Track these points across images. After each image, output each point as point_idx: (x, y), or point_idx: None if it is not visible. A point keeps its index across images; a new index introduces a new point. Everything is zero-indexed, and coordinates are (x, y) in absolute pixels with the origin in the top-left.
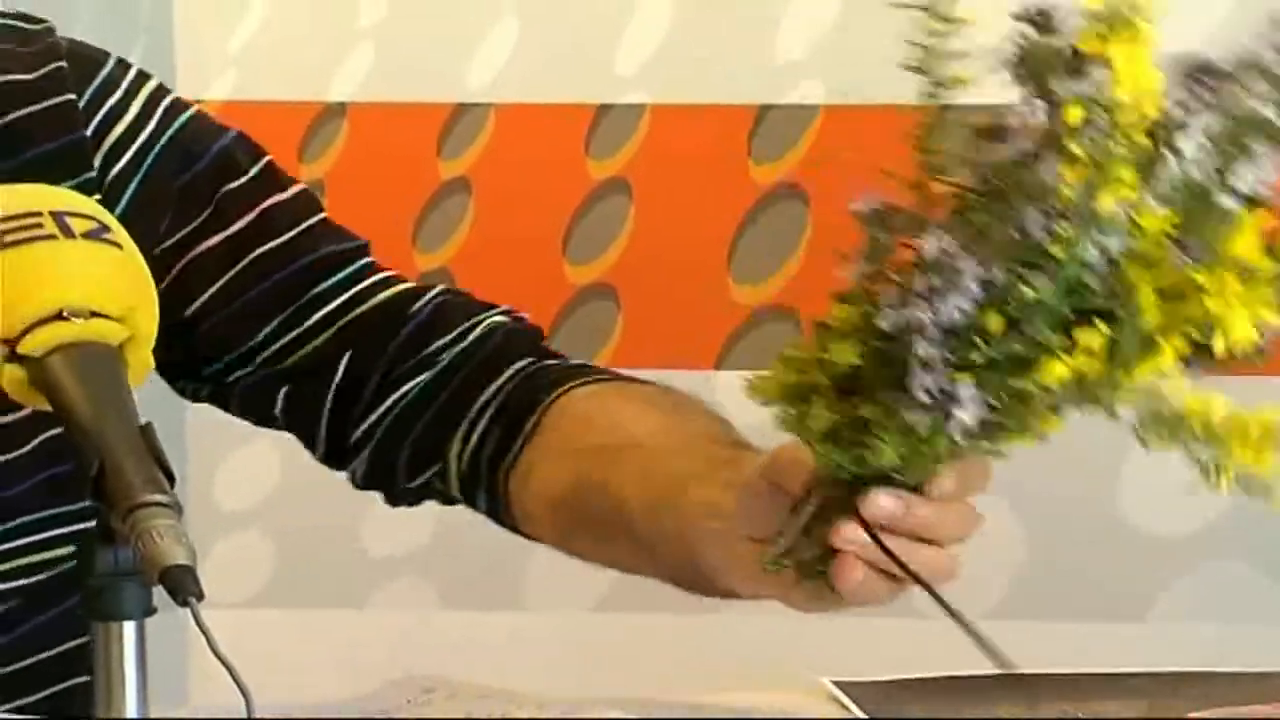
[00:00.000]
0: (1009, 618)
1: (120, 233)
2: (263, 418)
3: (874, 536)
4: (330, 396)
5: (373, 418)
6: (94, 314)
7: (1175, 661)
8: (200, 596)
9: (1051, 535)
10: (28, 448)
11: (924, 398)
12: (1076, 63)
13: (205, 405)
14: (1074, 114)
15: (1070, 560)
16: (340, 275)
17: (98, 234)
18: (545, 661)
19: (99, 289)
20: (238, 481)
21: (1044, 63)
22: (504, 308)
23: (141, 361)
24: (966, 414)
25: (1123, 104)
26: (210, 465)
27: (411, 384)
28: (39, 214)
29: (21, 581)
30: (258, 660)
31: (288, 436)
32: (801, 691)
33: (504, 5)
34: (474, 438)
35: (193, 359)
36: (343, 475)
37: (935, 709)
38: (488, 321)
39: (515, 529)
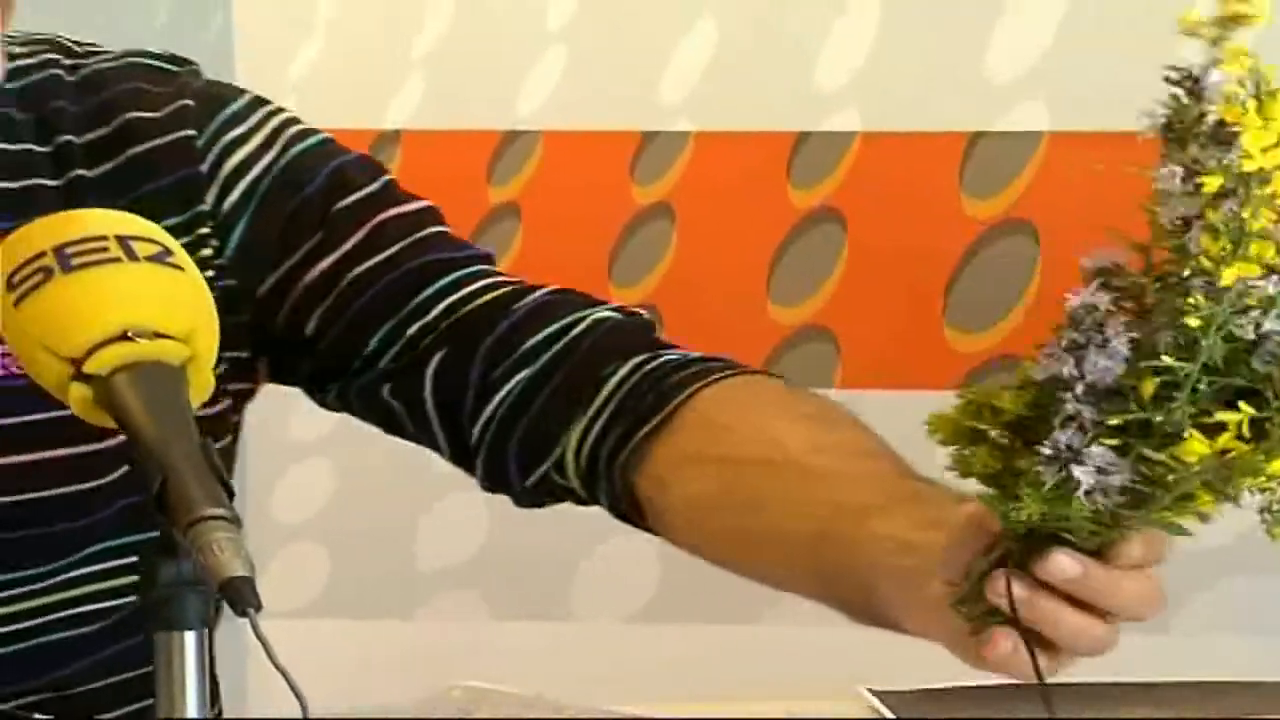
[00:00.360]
0: None
1: (182, 256)
2: (389, 426)
3: (1013, 606)
4: (431, 399)
5: (482, 418)
6: (157, 334)
7: (1199, 673)
8: (259, 607)
9: None
10: (111, 476)
11: (1049, 450)
12: (1220, 131)
13: (262, 423)
14: (1213, 183)
15: None
16: (445, 280)
17: (160, 257)
18: (589, 671)
19: (162, 310)
20: (294, 496)
21: (1188, 129)
22: (614, 304)
23: (203, 380)
24: (1085, 474)
25: (1264, 175)
26: (268, 481)
27: (514, 381)
28: (104, 238)
29: (108, 604)
30: (313, 668)
31: (343, 452)
32: (838, 699)
33: (552, 35)
34: (593, 433)
35: (318, 375)
36: (394, 489)
37: (967, 714)
38: (594, 316)
39: (641, 527)
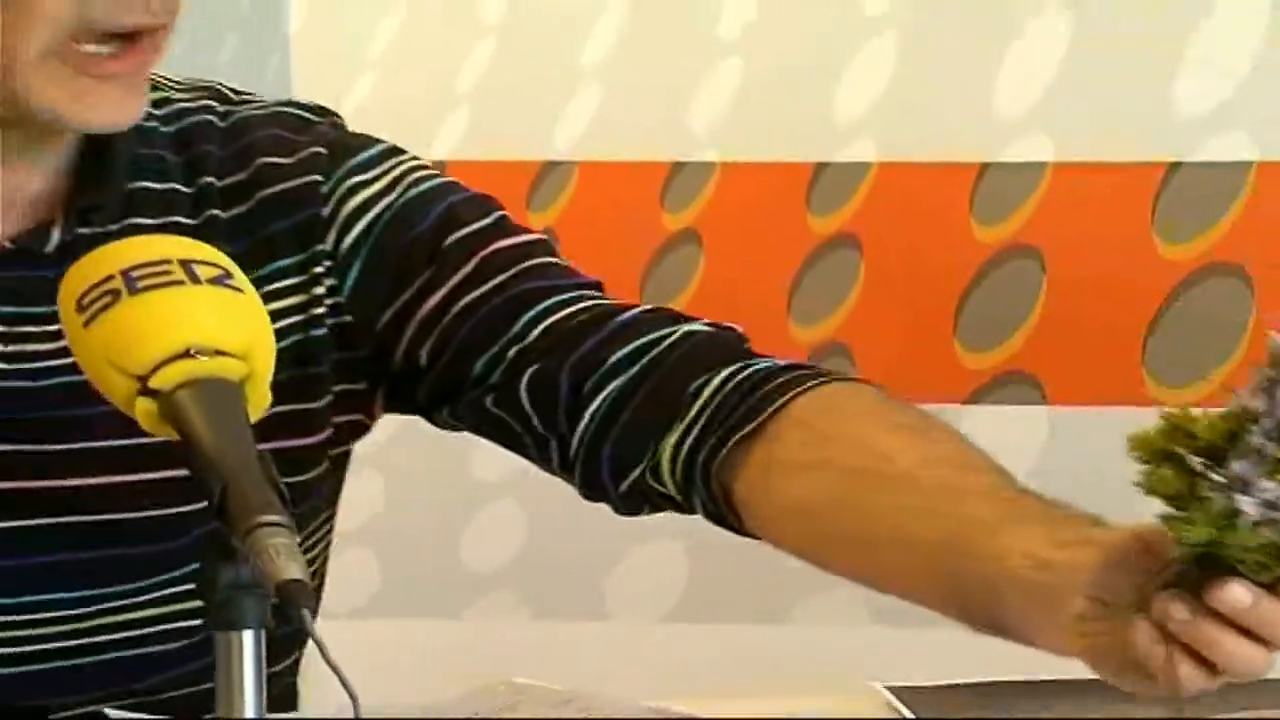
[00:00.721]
0: None
1: (241, 278)
2: (502, 440)
3: (1167, 631)
4: (533, 414)
5: (578, 430)
6: (218, 352)
7: None
8: (313, 609)
9: None
10: (195, 505)
11: (1222, 477)
12: None
13: None
14: None
15: None
16: (545, 304)
17: (221, 279)
18: (623, 667)
19: (222, 329)
20: (347, 503)
21: None
22: (706, 319)
23: (260, 395)
24: (1252, 505)
25: None
26: None
27: (605, 392)
28: (168, 261)
29: (191, 623)
30: (364, 666)
31: (392, 465)
32: (856, 695)
33: (588, 71)
34: (689, 441)
35: (433, 399)
36: (440, 499)
37: (984, 711)
38: (684, 329)
39: (738, 530)
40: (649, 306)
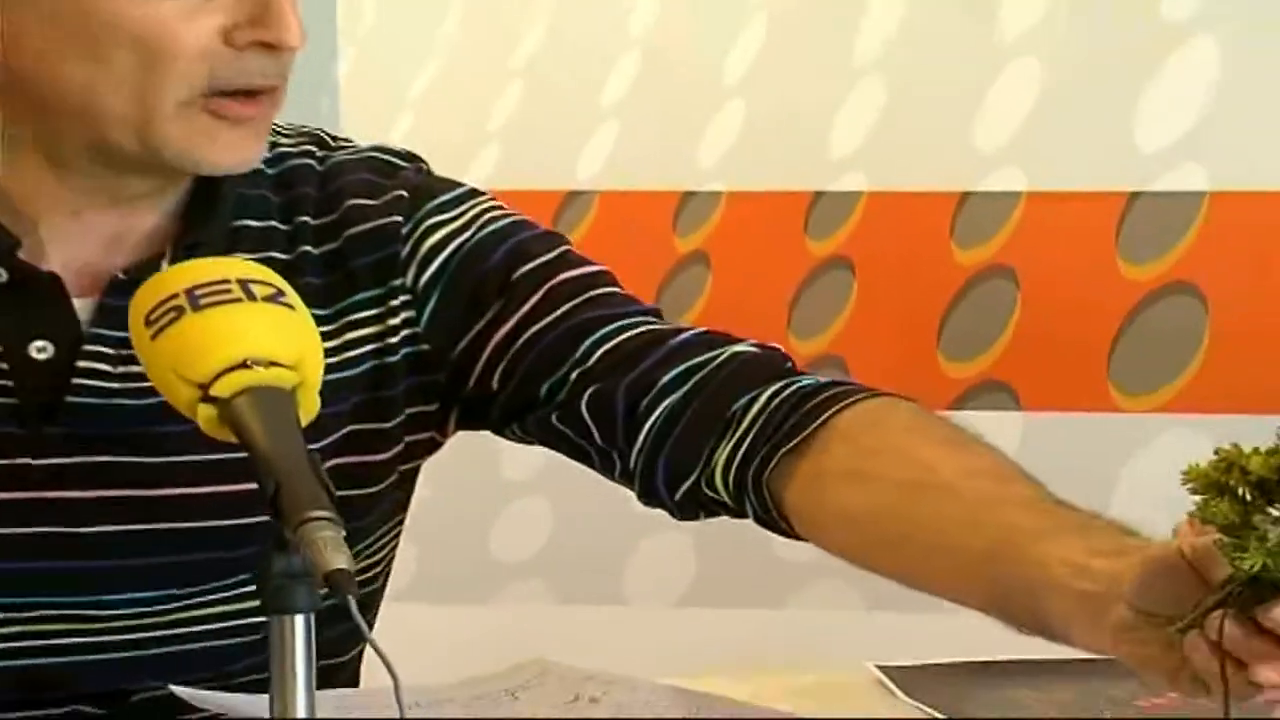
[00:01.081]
0: None
1: (293, 297)
2: (570, 453)
3: (1219, 644)
4: (592, 431)
5: (636, 444)
6: (272, 363)
7: None
8: (356, 594)
9: None
10: (262, 517)
11: (1274, 511)
12: None
13: None
14: None
15: None
16: (606, 329)
17: (275, 297)
18: (638, 647)
19: (276, 342)
20: None
21: None
22: (753, 341)
23: (310, 401)
24: None
25: None
26: None
27: (659, 409)
28: (228, 281)
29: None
30: (402, 646)
31: (428, 465)
32: (848, 673)
33: (607, 110)
34: (740, 452)
35: (503, 418)
36: (472, 496)
37: (964, 687)
38: (731, 350)
39: (791, 535)
40: (703, 329)
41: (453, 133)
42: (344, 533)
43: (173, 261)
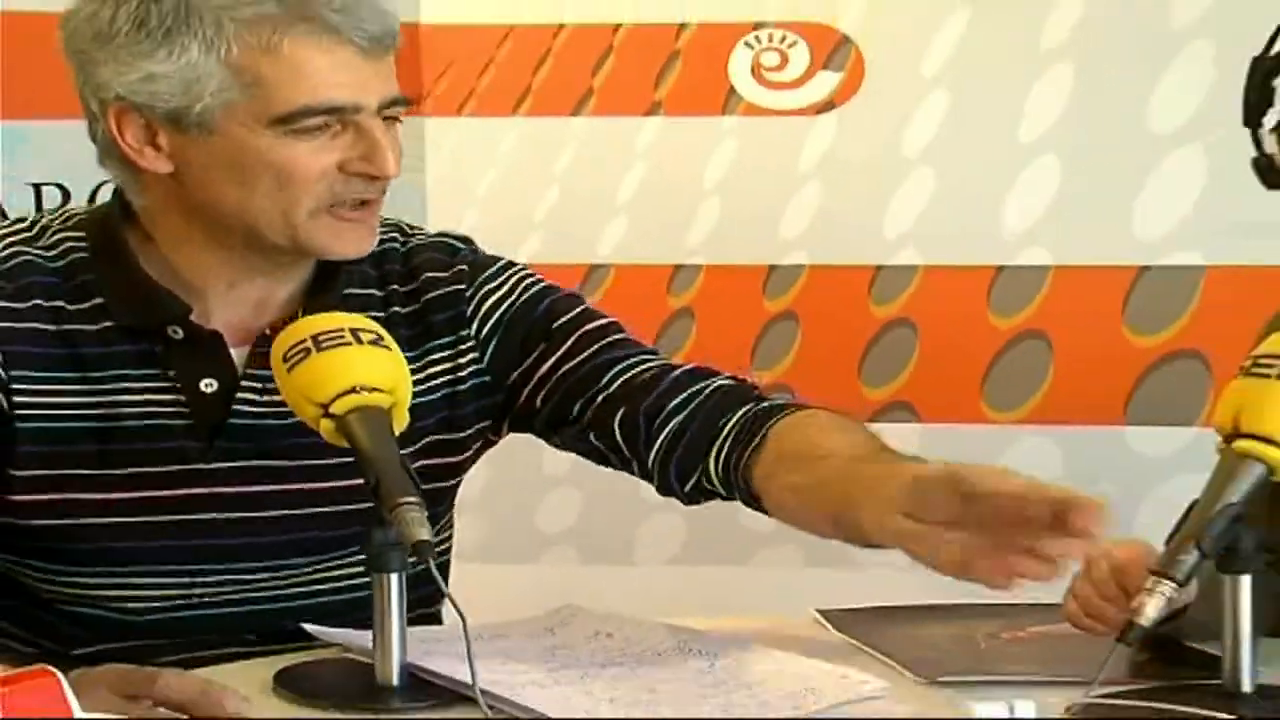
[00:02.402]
0: None
1: (389, 340)
2: (597, 459)
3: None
4: (622, 443)
5: (652, 452)
6: (374, 389)
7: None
8: (435, 558)
9: None
10: (360, 505)
11: None
12: None
13: None
14: None
15: None
16: (620, 367)
17: (376, 341)
18: (644, 596)
19: (377, 374)
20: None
21: None
22: (729, 374)
23: (401, 417)
24: None
25: None
26: None
27: (669, 427)
28: (342, 330)
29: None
30: (470, 596)
31: (489, 460)
32: (795, 618)
33: (709, 191)
34: (723, 456)
35: (545, 430)
36: (522, 483)
37: (881, 625)
38: (716, 383)
39: (764, 511)
40: (692, 365)
41: (505, 216)
42: (426, 514)
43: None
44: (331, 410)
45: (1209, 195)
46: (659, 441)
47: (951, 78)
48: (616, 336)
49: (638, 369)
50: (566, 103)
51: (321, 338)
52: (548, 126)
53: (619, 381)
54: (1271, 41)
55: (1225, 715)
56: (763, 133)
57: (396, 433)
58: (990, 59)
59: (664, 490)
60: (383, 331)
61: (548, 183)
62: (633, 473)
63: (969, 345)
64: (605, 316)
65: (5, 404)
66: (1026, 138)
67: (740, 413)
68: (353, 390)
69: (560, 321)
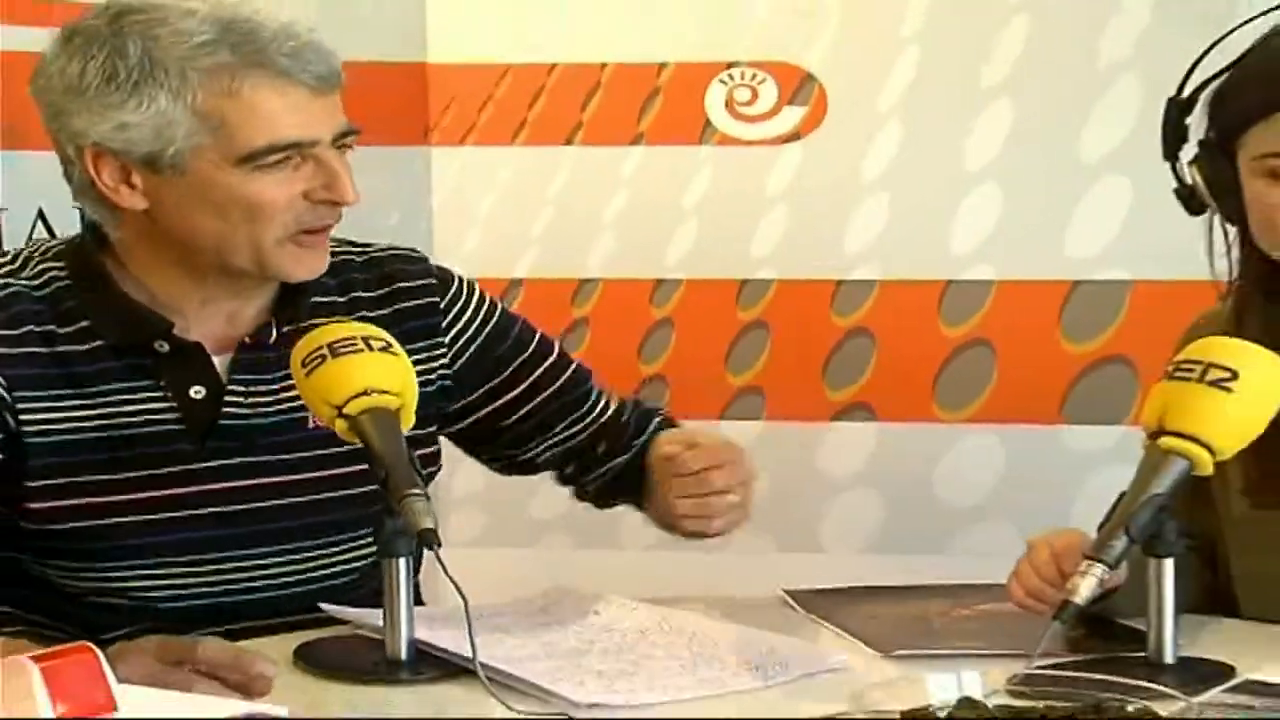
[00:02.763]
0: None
1: (397, 347)
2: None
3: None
4: (569, 467)
5: (596, 479)
6: (383, 392)
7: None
8: (439, 544)
9: None
10: (367, 488)
11: None
12: None
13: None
14: None
15: None
16: (577, 413)
17: (385, 348)
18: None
19: (387, 378)
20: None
21: None
22: (660, 410)
23: (408, 417)
24: None
25: None
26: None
27: (599, 471)
28: (355, 338)
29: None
30: (471, 578)
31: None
32: (762, 599)
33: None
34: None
35: (490, 458)
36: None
37: (840, 603)
38: (648, 419)
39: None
40: (618, 405)
41: (500, 233)
42: (431, 503)
43: (277, 329)
44: (345, 411)
45: (1134, 217)
46: (595, 476)
47: (904, 112)
48: (570, 373)
49: (586, 407)
50: (559, 133)
51: (336, 345)
52: (542, 155)
53: (570, 421)
54: (1184, 84)
55: (1150, 684)
56: (735, 161)
57: (403, 431)
58: (938, 95)
59: (599, 505)
60: (391, 339)
61: (542, 205)
62: (564, 485)
63: (921, 352)
64: (554, 346)
65: (12, 423)
66: (971, 166)
67: (642, 441)
68: (364, 393)
69: (522, 358)
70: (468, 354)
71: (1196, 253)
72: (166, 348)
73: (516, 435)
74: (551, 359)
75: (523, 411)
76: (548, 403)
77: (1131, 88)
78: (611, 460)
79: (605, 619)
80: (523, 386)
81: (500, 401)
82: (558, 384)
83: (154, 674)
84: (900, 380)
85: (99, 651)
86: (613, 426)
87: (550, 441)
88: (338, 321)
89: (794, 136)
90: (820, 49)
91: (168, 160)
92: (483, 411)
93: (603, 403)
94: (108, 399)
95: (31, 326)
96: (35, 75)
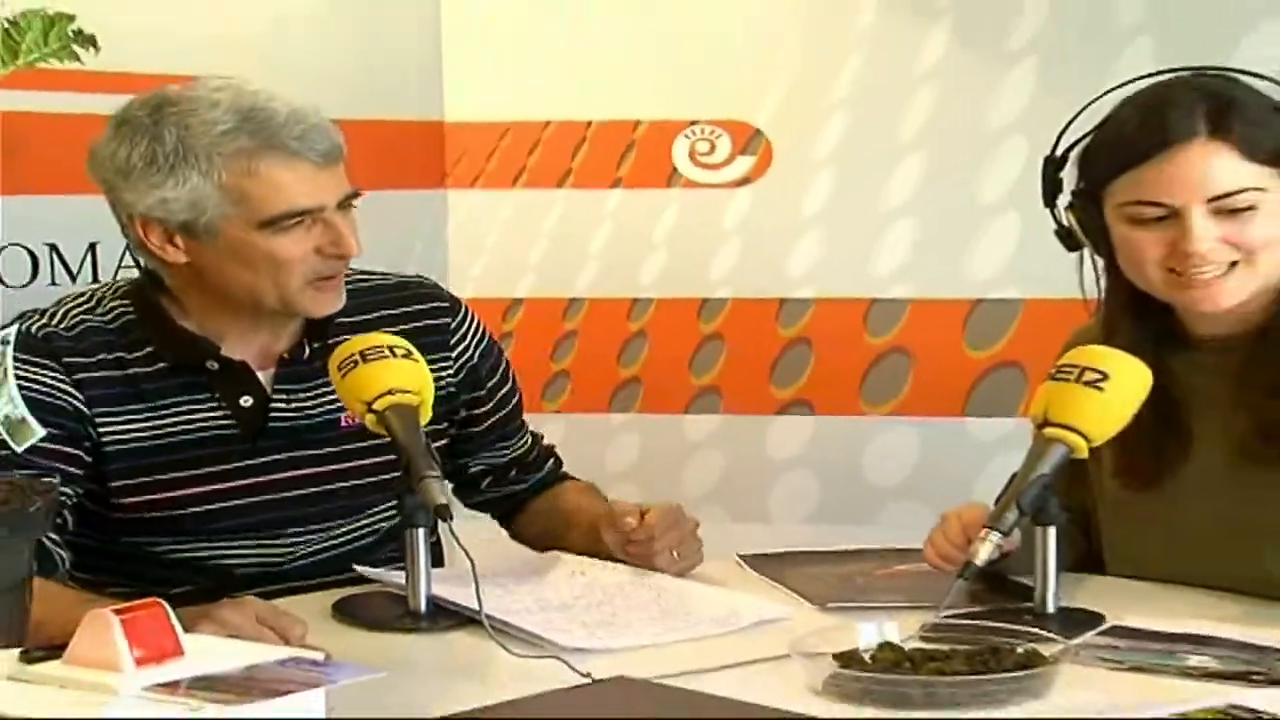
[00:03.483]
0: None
1: (417, 354)
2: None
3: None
4: (485, 481)
5: (499, 495)
6: (405, 391)
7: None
8: (451, 518)
9: None
10: (389, 475)
11: None
12: None
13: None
14: None
15: None
16: (513, 439)
17: (406, 355)
18: None
19: (407, 380)
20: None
21: None
22: (553, 453)
23: (426, 413)
24: None
25: None
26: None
27: (519, 489)
28: (382, 346)
29: (388, 527)
30: (478, 546)
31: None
32: (720, 562)
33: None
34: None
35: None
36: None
37: (787, 566)
38: (550, 467)
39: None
40: (531, 445)
41: (501, 260)
42: (445, 484)
43: (309, 347)
44: (374, 407)
45: (1023, 248)
46: (506, 493)
47: (836, 161)
48: (514, 403)
49: (518, 441)
50: (552, 178)
51: (367, 352)
52: (538, 196)
53: (509, 447)
54: (1056, 144)
55: (1036, 630)
56: (697, 201)
57: (422, 424)
58: (864, 148)
59: (468, 502)
60: (412, 348)
61: (538, 237)
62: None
63: (851, 358)
64: (513, 378)
65: (94, 434)
66: (892, 205)
67: (533, 483)
68: (389, 392)
69: (502, 393)
70: (465, 369)
71: (1074, 277)
72: (217, 366)
73: (464, 444)
74: (510, 386)
75: (484, 425)
76: (500, 423)
77: (1019, 145)
78: (513, 486)
79: (589, 579)
80: (490, 404)
81: (474, 412)
82: (508, 409)
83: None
84: (833, 381)
85: (167, 606)
86: (523, 458)
87: (483, 456)
88: (369, 333)
89: (745, 181)
90: (767, 109)
91: (202, 227)
92: (459, 416)
93: (525, 435)
94: (171, 410)
95: (104, 354)
96: (91, 156)
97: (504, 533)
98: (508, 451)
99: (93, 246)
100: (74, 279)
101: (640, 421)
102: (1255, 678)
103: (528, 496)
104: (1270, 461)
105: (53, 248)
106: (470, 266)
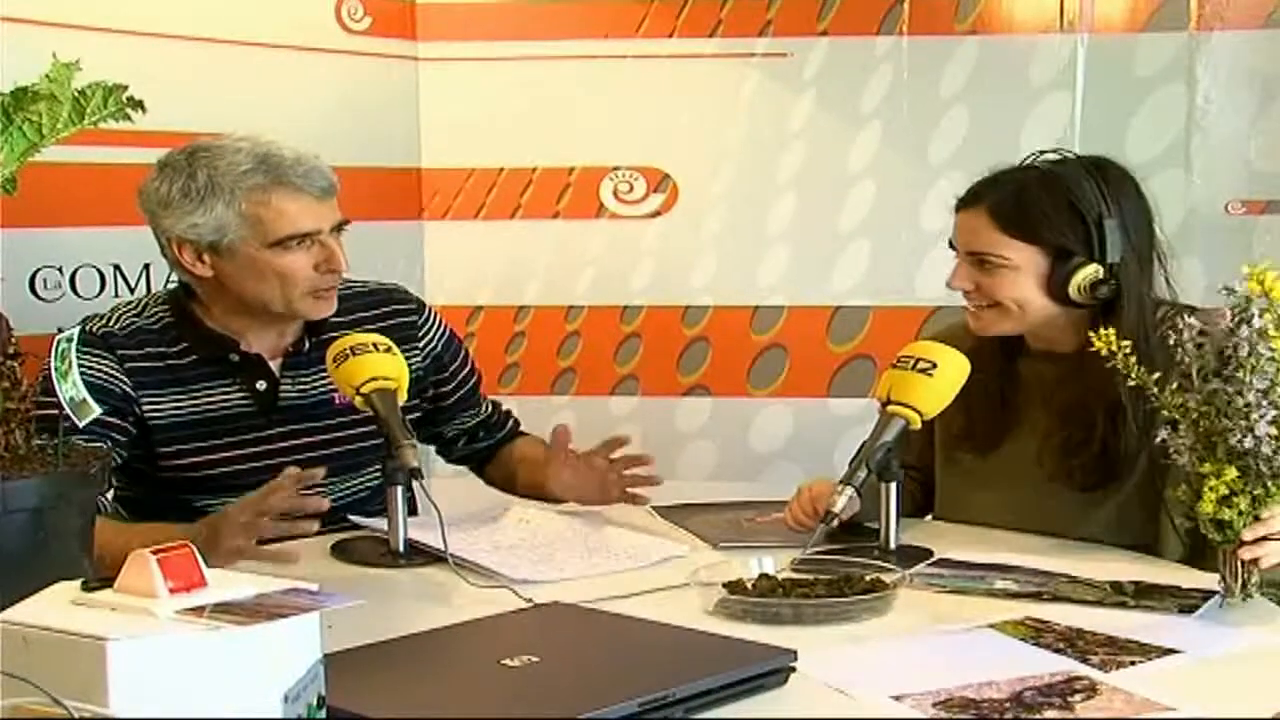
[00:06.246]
0: None
1: (396, 349)
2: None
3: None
4: (460, 442)
5: (472, 453)
6: (385, 378)
7: None
8: (422, 477)
9: None
10: (371, 442)
11: None
12: None
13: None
14: None
15: None
16: (474, 409)
17: (387, 350)
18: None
19: (388, 370)
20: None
21: None
22: (511, 416)
23: (402, 395)
24: None
25: None
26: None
27: (480, 445)
28: (367, 343)
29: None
30: (444, 500)
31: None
32: (637, 510)
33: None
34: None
35: (423, 425)
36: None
37: (691, 514)
38: (510, 426)
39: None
40: (491, 410)
41: (506, 269)
42: (418, 449)
43: (309, 340)
44: (361, 390)
45: (875, 267)
46: (477, 449)
47: (727, 199)
48: (473, 381)
49: (480, 409)
50: (506, 211)
51: (356, 347)
52: (496, 226)
53: (473, 414)
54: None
55: (880, 563)
56: (619, 230)
57: (399, 404)
58: (748, 189)
59: (449, 458)
60: (391, 344)
61: (495, 258)
62: (437, 443)
63: (740, 351)
64: (471, 360)
65: (139, 412)
66: (772, 232)
67: (499, 438)
68: (373, 379)
69: (463, 373)
70: (430, 357)
71: (909, 290)
72: (237, 358)
73: (439, 414)
74: (469, 369)
75: (450, 401)
76: (464, 398)
77: (868, 187)
78: (482, 443)
79: (533, 525)
80: (454, 383)
81: (440, 390)
82: (469, 386)
83: (240, 548)
84: (727, 370)
85: (194, 548)
86: (486, 421)
87: (455, 423)
88: (357, 333)
89: (657, 214)
90: (674, 158)
91: (224, 247)
92: (428, 394)
93: (485, 404)
94: (202, 392)
95: (149, 348)
96: (139, 192)
97: (471, 485)
98: (473, 418)
99: (146, 266)
100: (132, 291)
101: (575, 402)
102: (1044, 596)
103: (494, 450)
104: (1060, 478)
105: (116, 267)
106: (442, 281)
